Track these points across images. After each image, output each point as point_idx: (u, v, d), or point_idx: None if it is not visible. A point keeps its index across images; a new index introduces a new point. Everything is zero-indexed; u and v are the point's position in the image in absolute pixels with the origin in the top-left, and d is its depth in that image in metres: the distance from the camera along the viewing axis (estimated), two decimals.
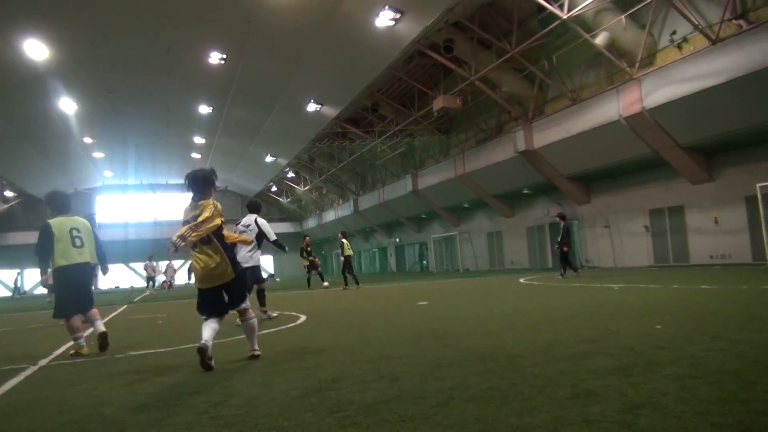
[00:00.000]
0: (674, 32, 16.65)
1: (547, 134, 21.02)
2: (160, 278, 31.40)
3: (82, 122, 31.05)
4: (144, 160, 39.22)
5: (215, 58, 23.51)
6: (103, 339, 6.10)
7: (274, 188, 52.73)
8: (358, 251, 50.45)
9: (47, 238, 6.04)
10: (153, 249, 35.79)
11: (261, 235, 8.44)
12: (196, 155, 42.60)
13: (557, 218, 16.39)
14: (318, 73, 25.17)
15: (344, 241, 17.71)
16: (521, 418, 2.65)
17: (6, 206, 45.67)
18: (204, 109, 30.39)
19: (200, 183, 5.01)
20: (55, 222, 6.19)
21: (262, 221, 8.55)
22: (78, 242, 6.23)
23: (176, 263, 36.14)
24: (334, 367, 4.35)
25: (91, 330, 6.37)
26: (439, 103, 23.59)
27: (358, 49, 22.09)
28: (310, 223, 52.44)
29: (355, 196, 41.16)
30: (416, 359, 4.42)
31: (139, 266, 48.01)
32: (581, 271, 15.66)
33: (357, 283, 17.71)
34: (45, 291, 25.76)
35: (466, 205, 31.01)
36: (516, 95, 22.93)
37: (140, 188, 49.41)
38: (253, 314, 5.12)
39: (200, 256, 4.76)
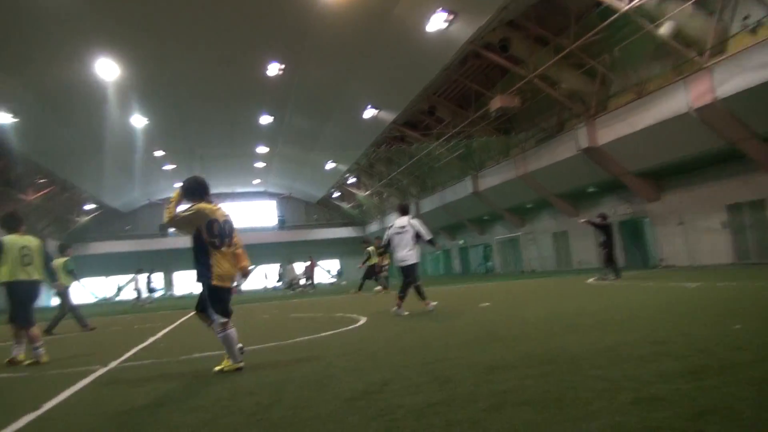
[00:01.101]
0: (747, 16, 15.60)
1: (612, 130, 20.20)
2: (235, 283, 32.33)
3: (153, 136, 32.54)
4: (211, 170, 40.59)
5: (274, 69, 24.06)
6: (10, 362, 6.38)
7: (335, 194, 53.41)
8: (423, 254, 50.32)
9: None
10: None
11: (418, 236, 9.08)
12: (259, 164, 43.82)
13: (598, 219, 15.57)
14: (374, 78, 25.32)
15: (369, 249, 18.94)
16: (576, 424, 2.49)
17: (88, 218, 48.52)
18: (265, 119, 31.17)
19: (186, 190, 5.08)
20: (6, 239, 6.48)
21: (414, 222, 9.21)
22: (26, 260, 6.49)
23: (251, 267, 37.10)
24: (387, 369, 4.28)
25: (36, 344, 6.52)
26: (496, 103, 23.16)
27: (412, 53, 22.03)
28: (373, 227, 52.73)
29: (416, 199, 41.06)
30: (472, 362, 4.29)
31: None
32: (619, 275, 14.92)
33: (360, 289, 18.94)
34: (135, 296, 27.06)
35: (529, 206, 30.29)
36: (577, 92, 22.19)
37: (210, 198, 51.22)
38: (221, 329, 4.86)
39: None
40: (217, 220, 4.96)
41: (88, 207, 47.76)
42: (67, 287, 11.08)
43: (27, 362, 6.45)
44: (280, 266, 29.97)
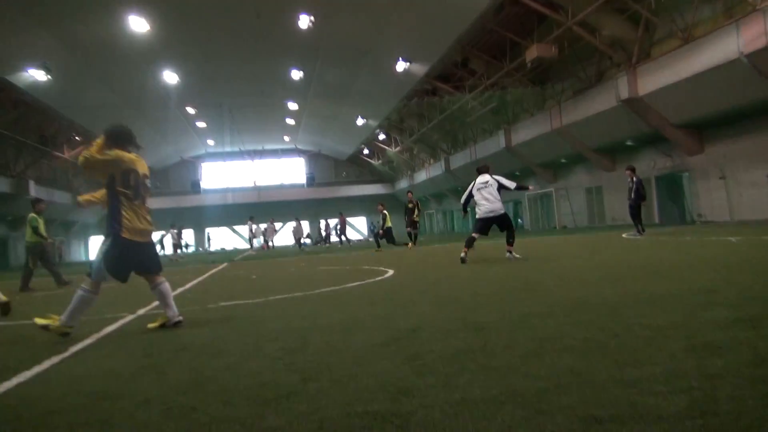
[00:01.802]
0: None
1: (654, 79, 19.28)
2: (261, 239, 32.66)
3: (184, 92, 32.53)
4: (241, 127, 40.61)
5: (304, 21, 23.55)
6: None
7: (365, 150, 53.04)
8: (451, 211, 49.95)
9: None
10: (253, 212, 37.37)
11: (501, 187, 9.59)
12: (290, 120, 43.60)
13: (627, 171, 14.76)
14: (406, 30, 24.57)
15: (386, 212, 19.01)
16: (625, 370, 2.28)
17: None
18: (295, 74, 30.77)
19: (109, 136, 4.70)
20: None
21: (499, 176, 9.71)
22: None
23: (277, 225, 37.42)
24: (416, 317, 4.12)
25: None
26: (533, 53, 22.31)
27: (446, 1, 21.24)
28: (402, 184, 52.39)
29: (447, 155, 40.47)
30: (505, 310, 4.09)
31: (242, 229, 50.62)
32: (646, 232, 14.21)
33: (379, 247, 18.92)
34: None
35: (563, 160, 29.51)
36: (618, 39, 21.15)
37: (239, 155, 51.48)
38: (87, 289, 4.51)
39: None
40: (135, 170, 4.59)
41: None
42: (33, 244, 11.07)
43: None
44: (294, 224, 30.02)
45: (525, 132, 28.91)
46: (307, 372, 2.71)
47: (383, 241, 19.22)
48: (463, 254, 9.48)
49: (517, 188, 10.05)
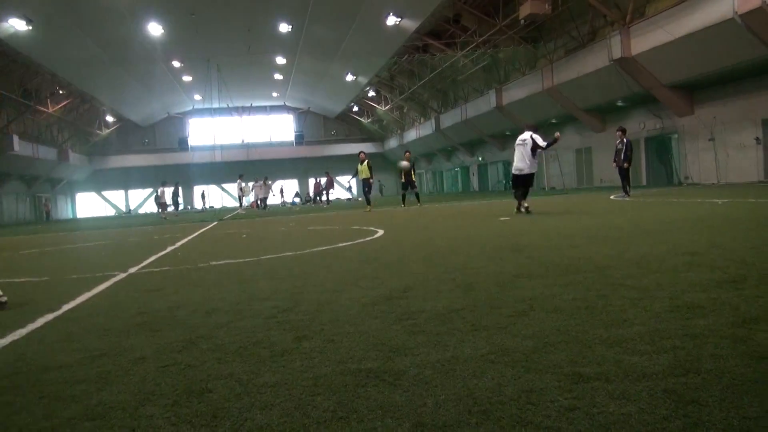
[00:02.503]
0: None
1: (647, 39, 19.09)
2: (250, 197, 32.50)
3: (169, 46, 31.73)
4: (229, 83, 39.86)
5: None
6: None
7: (355, 108, 52.46)
8: (440, 171, 49.90)
9: None
10: (242, 169, 37.08)
11: (535, 146, 10.10)
12: (278, 76, 42.85)
13: (618, 133, 14.71)
14: None
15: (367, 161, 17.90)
16: (611, 329, 2.34)
17: (108, 131, 48.59)
18: (284, 28, 30.06)
19: None
20: None
21: (535, 135, 10.20)
22: None
23: (275, 185, 37.21)
24: (406, 277, 4.18)
25: None
26: (526, 10, 21.93)
27: None
28: (392, 143, 52.14)
29: (437, 114, 40.17)
30: (494, 271, 4.16)
31: (230, 187, 50.38)
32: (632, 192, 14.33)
33: (369, 203, 18.33)
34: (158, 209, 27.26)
35: (553, 121, 29.40)
36: None
37: (227, 111, 50.73)
38: None
39: None
40: None
41: (108, 120, 47.67)
42: None
43: None
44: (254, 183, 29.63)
45: (516, 91, 28.69)
46: (300, 330, 2.76)
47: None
48: (519, 207, 10.36)
49: (548, 145, 10.38)
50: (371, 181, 18.18)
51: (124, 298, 4.22)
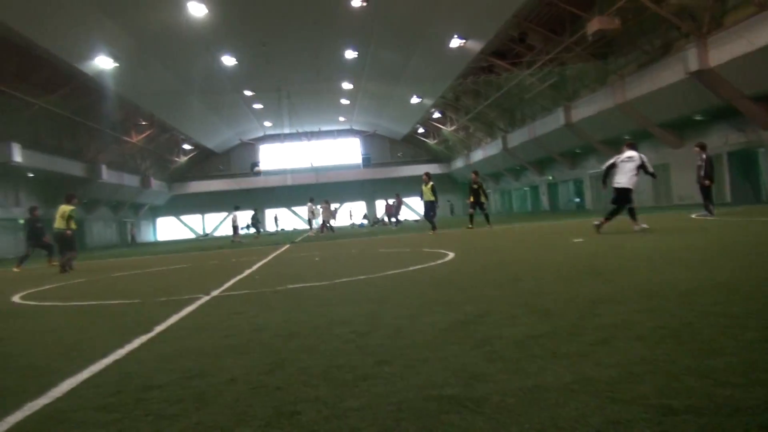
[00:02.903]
0: None
1: (727, 49, 18.27)
2: (319, 220, 33.15)
3: (242, 76, 33.30)
4: (298, 109, 41.22)
5: (357, 1, 23.55)
6: None
7: (420, 130, 52.82)
8: (509, 191, 49.20)
9: None
10: (311, 192, 38.04)
11: (642, 167, 10.29)
12: (345, 101, 43.91)
13: (696, 149, 14.01)
14: (461, 5, 24.19)
15: (432, 183, 17.82)
16: (700, 360, 2.27)
17: (186, 158, 51.23)
18: (350, 54, 30.91)
19: None
20: None
21: (641, 155, 10.39)
22: None
23: (334, 206, 37.95)
24: (481, 301, 4.18)
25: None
26: (594, 26, 21.52)
27: None
28: (458, 163, 52.01)
29: (504, 133, 39.80)
30: (570, 295, 4.09)
31: (300, 210, 51.73)
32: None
33: (434, 226, 17.91)
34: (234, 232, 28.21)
35: (626, 137, 28.48)
36: (687, 7, 20.12)
37: (296, 136, 52.32)
38: None
39: None
40: None
41: (185, 147, 50.29)
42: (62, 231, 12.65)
43: None
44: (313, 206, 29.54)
45: (586, 108, 28.05)
46: (380, 355, 2.83)
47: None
48: (596, 223, 10.56)
49: (652, 174, 10.66)
50: (437, 204, 17.94)
51: (210, 320, 4.44)
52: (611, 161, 10.66)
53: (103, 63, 26.37)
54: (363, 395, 2.24)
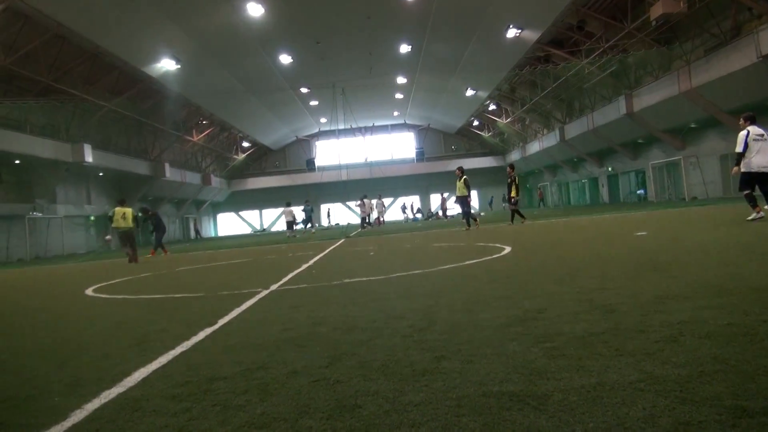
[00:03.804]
0: None
1: None
2: (372, 215, 33.35)
3: (298, 74, 33.83)
4: (352, 104, 41.53)
5: None
6: None
7: (475, 122, 52.23)
8: (566, 183, 48.00)
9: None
10: (366, 188, 38.30)
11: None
12: (398, 95, 43.93)
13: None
14: None
15: (465, 178, 16.92)
16: None
17: (244, 156, 52.61)
18: (404, 48, 30.87)
19: None
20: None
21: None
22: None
23: (386, 201, 38.15)
24: (540, 297, 4.11)
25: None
26: (658, 10, 20.66)
27: None
28: (514, 155, 51.13)
29: (561, 124, 38.81)
30: (634, 291, 3.96)
31: (353, 204, 52.21)
32: None
33: (474, 220, 17.32)
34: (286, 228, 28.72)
35: (692, 125, 27.25)
36: None
37: (351, 132, 52.72)
38: None
39: None
40: None
41: (244, 145, 51.68)
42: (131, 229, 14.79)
43: None
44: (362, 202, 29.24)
45: (649, 96, 26.99)
46: (438, 350, 2.83)
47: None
48: (755, 215, 8.87)
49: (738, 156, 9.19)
50: (469, 199, 17.12)
51: (270, 314, 4.55)
52: (743, 142, 9.00)
53: (167, 65, 27.39)
54: (422, 390, 2.24)
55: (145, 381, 2.76)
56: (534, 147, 45.23)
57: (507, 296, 4.28)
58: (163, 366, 3.03)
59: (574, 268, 5.72)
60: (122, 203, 15.22)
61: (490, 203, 50.48)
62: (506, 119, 45.65)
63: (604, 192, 40.33)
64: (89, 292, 7.57)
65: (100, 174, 33.34)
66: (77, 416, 2.30)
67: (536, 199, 50.09)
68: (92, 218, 34.10)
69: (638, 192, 36.09)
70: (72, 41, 23.52)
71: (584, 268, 5.63)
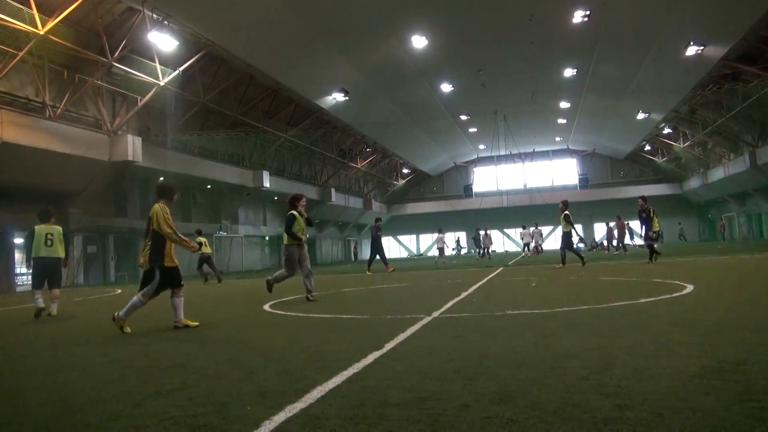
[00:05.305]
0: None
1: None
2: (531, 244, 32.29)
3: (458, 102, 34.24)
4: (513, 130, 40.94)
5: (578, 16, 22.70)
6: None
7: (647, 147, 48.53)
8: (758, 214, 42.45)
9: (30, 237, 8.71)
10: (527, 215, 37.32)
11: None
12: (561, 120, 42.40)
13: None
14: (698, 8, 21.79)
15: (567, 213, 15.78)
16: None
17: (403, 181, 54.28)
18: (568, 72, 29.82)
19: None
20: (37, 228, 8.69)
21: None
22: (49, 242, 8.67)
23: (545, 229, 36.73)
24: (736, 346, 3.65)
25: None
26: None
27: None
28: (693, 182, 46.54)
29: (752, 148, 34.53)
30: None
31: (513, 232, 51.12)
32: None
33: (580, 259, 15.52)
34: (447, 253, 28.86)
35: None
36: None
37: (510, 158, 51.88)
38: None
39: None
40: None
41: (403, 171, 53.40)
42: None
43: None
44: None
45: None
46: (620, 398, 2.62)
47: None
48: None
49: None
50: (574, 233, 15.83)
51: (435, 342, 4.58)
52: None
53: (337, 97, 29.40)
54: None
55: (323, 399, 2.91)
56: (717, 173, 40.73)
57: (695, 342, 3.86)
58: (338, 386, 3.17)
59: None
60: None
61: (680, 234, 45.63)
62: (684, 143, 41.79)
63: None
64: (266, 307, 8.24)
65: (275, 198, 36.48)
66: (267, 427, 2.49)
67: (718, 231, 44.98)
68: (266, 238, 37.36)
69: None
70: (257, 79, 26.30)
71: None
